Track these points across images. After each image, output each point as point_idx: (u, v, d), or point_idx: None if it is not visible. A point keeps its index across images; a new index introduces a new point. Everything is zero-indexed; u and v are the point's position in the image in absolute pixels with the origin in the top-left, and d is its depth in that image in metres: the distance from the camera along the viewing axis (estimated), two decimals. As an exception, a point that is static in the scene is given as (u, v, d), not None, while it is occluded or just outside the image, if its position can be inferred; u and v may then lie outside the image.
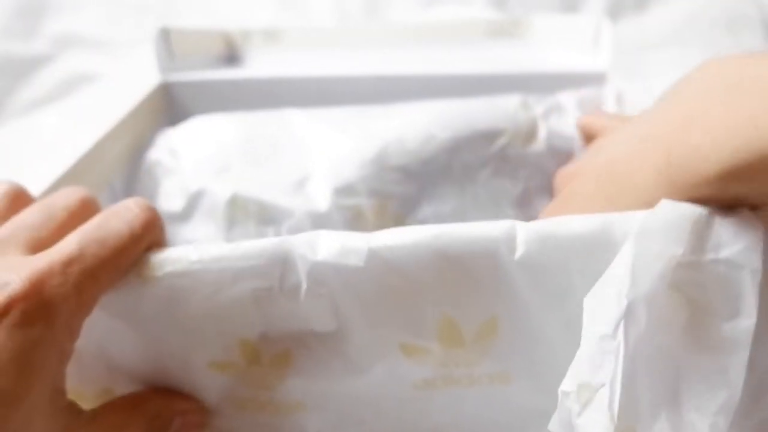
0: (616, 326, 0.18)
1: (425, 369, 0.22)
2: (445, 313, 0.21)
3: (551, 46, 0.47)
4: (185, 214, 0.35)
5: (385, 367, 0.22)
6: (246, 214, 0.34)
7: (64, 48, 0.70)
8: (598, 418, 0.18)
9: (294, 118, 0.37)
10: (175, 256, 0.21)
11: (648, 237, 0.19)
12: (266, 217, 0.34)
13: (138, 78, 0.44)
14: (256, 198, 0.34)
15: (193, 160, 0.36)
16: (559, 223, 0.21)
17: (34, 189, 0.28)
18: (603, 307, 0.19)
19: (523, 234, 0.20)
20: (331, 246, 0.21)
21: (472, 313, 0.21)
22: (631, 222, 0.20)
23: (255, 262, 0.21)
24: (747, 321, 0.19)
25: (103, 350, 0.22)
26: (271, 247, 0.21)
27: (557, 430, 0.19)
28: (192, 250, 0.21)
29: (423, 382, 0.23)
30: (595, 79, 0.40)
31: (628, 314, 0.18)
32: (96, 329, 0.21)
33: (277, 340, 0.22)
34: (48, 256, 0.19)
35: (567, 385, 0.19)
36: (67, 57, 0.69)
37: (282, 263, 0.21)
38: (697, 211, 0.20)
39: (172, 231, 0.35)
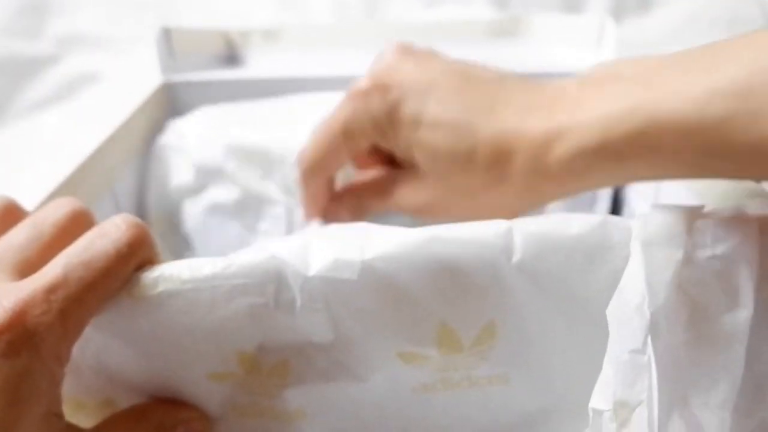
0: (644, 341, 0.18)
1: (424, 374, 0.22)
2: (442, 320, 0.21)
3: (552, 45, 0.46)
4: (198, 187, 0.38)
5: (384, 375, 0.22)
6: (250, 161, 0.37)
7: (67, 48, 0.70)
8: None
9: (297, 102, 0.40)
10: (167, 275, 0.20)
11: (653, 244, 0.19)
12: (272, 163, 0.37)
13: (140, 78, 0.44)
14: (260, 147, 0.36)
15: (199, 136, 0.38)
16: (556, 225, 0.21)
17: (36, 192, 0.28)
18: (627, 321, 0.19)
19: (520, 237, 0.20)
20: (324, 259, 0.20)
21: (471, 319, 0.21)
22: (628, 223, 0.20)
23: (248, 280, 0.20)
24: (744, 312, 0.19)
25: (101, 363, 0.22)
26: (263, 265, 0.20)
27: None
28: (184, 268, 0.20)
29: (422, 386, 0.23)
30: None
31: (653, 326, 0.18)
32: (92, 345, 0.21)
33: (275, 351, 0.22)
34: (32, 283, 0.19)
35: (600, 403, 0.18)
36: (70, 57, 0.69)
37: (275, 280, 0.20)
38: (692, 211, 0.20)
39: (187, 205, 0.38)
